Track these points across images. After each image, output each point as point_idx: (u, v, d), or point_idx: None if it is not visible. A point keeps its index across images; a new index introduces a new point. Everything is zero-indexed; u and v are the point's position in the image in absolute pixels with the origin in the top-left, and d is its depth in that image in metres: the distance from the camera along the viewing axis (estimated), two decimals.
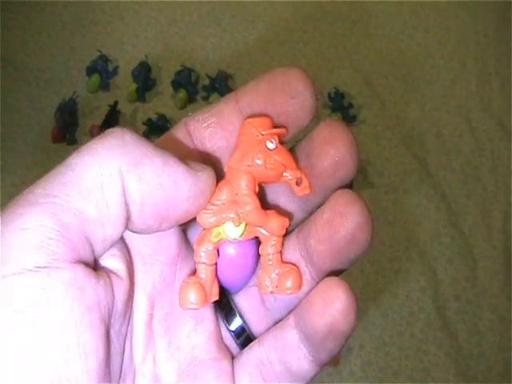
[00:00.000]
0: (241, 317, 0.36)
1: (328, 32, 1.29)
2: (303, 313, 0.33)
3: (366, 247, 0.33)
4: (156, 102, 1.17)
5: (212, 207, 0.33)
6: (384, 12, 1.31)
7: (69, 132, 1.10)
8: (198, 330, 0.35)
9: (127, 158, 0.29)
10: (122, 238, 0.32)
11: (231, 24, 1.28)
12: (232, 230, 0.34)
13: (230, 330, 0.36)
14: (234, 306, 0.36)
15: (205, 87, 1.17)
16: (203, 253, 0.34)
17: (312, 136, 0.35)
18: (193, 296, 0.33)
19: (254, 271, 0.36)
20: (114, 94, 1.17)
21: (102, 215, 0.28)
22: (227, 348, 0.36)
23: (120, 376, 0.31)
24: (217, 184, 0.34)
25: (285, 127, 0.34)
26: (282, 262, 0.35)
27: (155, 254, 0.34)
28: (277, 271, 0.34)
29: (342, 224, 0.33)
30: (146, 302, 0.33)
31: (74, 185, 0.28)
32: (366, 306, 0.98)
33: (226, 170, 0.34)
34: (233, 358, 0.36)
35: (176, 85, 1.17)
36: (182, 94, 1.15)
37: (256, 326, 0.36)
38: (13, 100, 1.13)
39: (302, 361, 0.33)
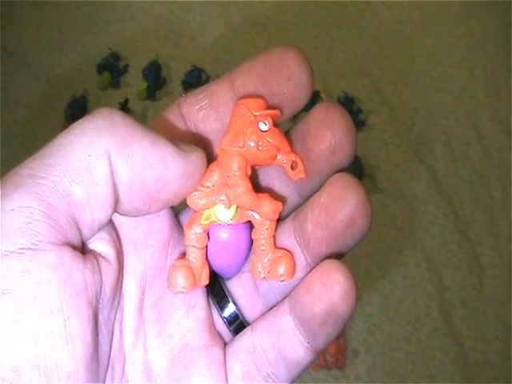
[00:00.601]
0: (234, 304, 0.35)
1: (338, 37, 1.29)
2: (299, 297, 0.32)
3: (365, 232, 0.33)
4: (166, 100, 1.17)
5: (202, 189, 0.33)
6: (394, 18, 1.32)
7: None
8: (190, 316, 0.34)
9: (115, 139, 0.29)
10: (111, 222, 0.32)
11: (242, 26, 1.28)
12: (223, 213, 0.33)
13: (222, 317, 0.36)
14: (227, 293, 0.36)
15: None
16: (193, 236, 0.33)
17: (308, 119, 0.34)
18: (181, 280, 0.33)
19: (247, 256, 0.36)
20: (125, 92, 1.17)
21: (90, 196, 0.28)
22: (219, 334, 0.36)
23: (108, 363, 0.31)
24: (208, 166, 0.33)
25: (279, 109, 0.34)
26: (276, 247, 0.35)
27: (146, 239, 0.33)
28: (269, 257, 0.34)
29: (340, 208, 0.32)
30: (136, 288, 0.33)
31: (60, 166, 0.28)
32: (372, 310, 0.98)
33: (217, 151, 0.34)
34: (225, 344, 0.35)
35: (186, 85, 1.17)
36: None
37: (249, 312, 0.36)
38: (24, 96, 1.14)
39: (296, 347, 0.33)
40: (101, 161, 0.28)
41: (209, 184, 0.33)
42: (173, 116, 0.35)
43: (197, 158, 0.32)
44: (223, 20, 1.29)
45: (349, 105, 1.16)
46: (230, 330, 0.36)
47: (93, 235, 0.30)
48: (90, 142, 0.28)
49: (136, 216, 0.32)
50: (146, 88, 1.15)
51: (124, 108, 1.12)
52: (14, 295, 0.25)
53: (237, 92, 0.34)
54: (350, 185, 0.32)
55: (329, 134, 0.33)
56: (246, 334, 0.34)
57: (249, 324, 0.35)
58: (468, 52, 1.29)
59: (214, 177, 0.33)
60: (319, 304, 0.31)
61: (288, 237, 0.35)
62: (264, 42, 1.25)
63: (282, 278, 0.34)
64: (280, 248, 0.34)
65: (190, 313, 0.35)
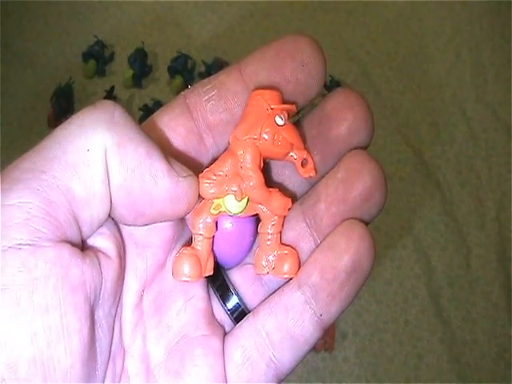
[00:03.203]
0: (237, 295, 0.35)
1: (324, 21, 1.29)
2: (318, 261, 0.32)
3: (381, 207, 0.33)
4: (152, 88, 1.17)
5: (214, 177, 0.32)
6: (380, 2, 1.31)
7: (65, 117, 1.08)
8: (188, 307, 0.34)
9: (113, 135, 0.28)
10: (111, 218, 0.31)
11: (228, 12, 1.28)
12: (233, 205, 0.33)
13: (226, 309, 0.35)
14: (229, 284, 0.35)
15: (201, 74, 1.17)
16: (201, 224, 0.33)
17: (326, 103, 0.34)
18: (188, 268, 0.32)
19: (250, 249, 0.35)
20: (111, 80, 1.16)
21: (89, 193, 0.28)
22: (219, 324, 0.35)
23: (109, 357, 0.31)
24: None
25: (294, 103, 0.33)
26: (281, 243, 0.34)
27: (148, 237, 0.33)
28: (275, 253, 0.34)
29: (359, 181, 0.32)
30: (137, 285, 0.33)
31: (60, 160, 0.27)
32: (360, 292, 0.98)
33: (230, 140, 0.33)
34: (226, 334, 0.35)
35: (172, 71, 1.17)
36: (179, 80, 1.15)
37: (251, 300, 0.35)
38: (9, 85, 1.13)
39: (306, 323, 0.32)
40: (98, 155, 0.28)
41: (221, 173, 0.32)
42: (178, 109, 0.34)
43: (188, 184, 0.31)
44: (208, 6, 1.28)
45: (335, 88, 1.16)
46: (232, 320, 0.35)
47: (92, 232, 0.29)
48: (88, 135, 0.28)
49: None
50: (131, 76, 1.15)
51: (110, 96, 1.11)
52: (11, 291, 0.25)
53: (247, 81, 0.33)
54: (367, 159, 0.33)
55: (349, 116, 0.33)
56: (247, 320, 0.34)
57: (246, 307, 0.35)
58: (454, 34, 1.29)
59: (227, 166, 0.32)
60: (345, 257, 0.31)
61: (297, 221, 0.34)
62: (250, 27, 1.25)
63: (285, 276, 0.33)
64: (285, 245, 0.34)
65: (189, 304, 0.34)
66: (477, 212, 1.07)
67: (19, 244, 0.25)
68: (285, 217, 0.34)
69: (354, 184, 0.32)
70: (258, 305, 0.35)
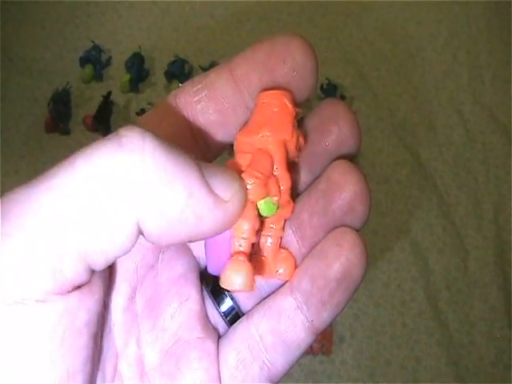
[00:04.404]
0: (231, 298, 0.35)
1: (321, 24, 1.29)
2: (309, 268, 0.32)
3: (363, 219, 0.32)
4: (149, 92, 1.17)
5: (259, 176, 0.30)
6: (377, 4, 1.32)
7: (62, 122, 1.10)
8: (183, 310, 0.34)
9: (146, 189, 0.25)
10: None
11: (224, 16, 1.28)
12: (268, 208, 0.31)
13: (220, 312, 0.35)
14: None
15: None
16: (246, 227, 0.30)
17: (314, 114, 0.34)
18: (242, 277, 0.30)
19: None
20: (108, 85, 1.17)
21: (109, 246, 0.25)
22: (213, 327, 0.35)
23: (99, 366, 0.30)
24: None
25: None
26: (280, 247, 0.34)
27: None
28: (272, 256, 0.33)
29: (339, 194, 0.32)
30: (126, 287, 0.32)
31: (76, 211, 0.24)
32: (357, 295, 0.98)
33: (260, 137, 0.31)
34: (220, 336, 0.35)
35: (169, 76, 1.17)
36: (176, 84, 1.15)
37: (244, 303, 0.35)
38: (6, 90, 1.13)
39: (298, 328, 0.32)
40: (126, 211, 0.25)
41: (260, 174, 0.30)
42: (169, 109, 0.33)
43: (238, 204, 0.28)
44: (206, 10, 1.28)
45: (332, 91, 1.16)
46: (226, 322, 0.35)
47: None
48: (114, 189, 0.25)
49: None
50: (128, 80, 1.15)
51: (107, 100, 1.12)
52: (17, 346, 0.24)
53: (238, 81, 0.32)
54: (349, 171, 0.32)
55: (335, 129, 0.33)
56: (241, 322, 0.34)
57: (240, 310, 0.35)
58: (451, 37, 1.29)
59: (268, 166, 0.31)
60: (336, 266, 0.31)
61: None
62: (247, 32, 1.25)
63: (279, 277, 0.33)
64: (282, 248, 0.34)
65: (184, 306, 0.34)
66: (474, 214, 1.07)
67: (26, 299, 0.24)
68: (285, 221, 0.33)
69: (334, 196, 0.32)
70: (252, 308, 0.35)
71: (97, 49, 1.19)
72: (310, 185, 0.34)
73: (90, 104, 1.13)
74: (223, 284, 0.30)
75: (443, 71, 1.24)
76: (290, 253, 0.33)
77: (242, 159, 0.31)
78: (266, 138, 0.31)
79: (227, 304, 0.35)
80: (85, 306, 0.26)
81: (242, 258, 0.30)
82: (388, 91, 1.20)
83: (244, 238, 0.30)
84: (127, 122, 1.10)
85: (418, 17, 1.31)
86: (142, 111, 1.10)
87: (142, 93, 1.17)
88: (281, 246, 0.34)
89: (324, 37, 1.26)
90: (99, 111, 1.11)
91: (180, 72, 1.17)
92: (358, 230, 0.33)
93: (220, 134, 0.33)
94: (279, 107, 0.31)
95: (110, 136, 0.26)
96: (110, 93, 1.13)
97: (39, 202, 0.24)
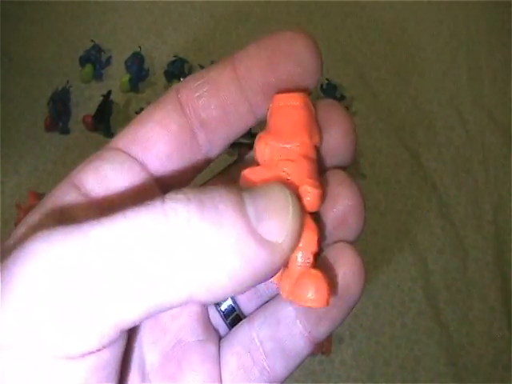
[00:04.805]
0: (231, 297, 0.35)
1: (321, 24, 1.29)
2: None
3: (357, 233, 0.32)
4: (149, 92, 1.17)
5: (319, 185, 0.29)
6: (376, 5, 1.32)
7: (62, 121, 1.10)
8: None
9: (197, 263, 0.24)
10: None
11: (224, 16, 1.28)
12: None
13: (219, 311, 0.35)
14: None
15: None
16: (316, 241, 0.28)
17: None
18: (324, 292, 0.28)
19: None
20: (107, 84, 1.16)
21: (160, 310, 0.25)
22: (214, 329, 0.35)
23: None
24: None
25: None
26: (315, 267, 0.29)
27: None
28: (300, 275, 0.29)
29: (331, 206, 0.31)
30: None
31: (120, 281, 0.23)
32: None
33: (300, 144, 0.29)
34: (221, 338, 0.35)
35: (169, 75, 1.17)
36: (175, 84, 1.15)
37: (245, 304, 0.35)
38: (6, 90, 1.13)
39: (297, 337, 0.32)
40: (179, 287, 0.24)
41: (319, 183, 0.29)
42: (171, 104, 0.32)
43: (293, 240, 0.26)
44: (205, 10, 1.28)
45: (332, 91, 1.16)
46: (226, 324, 0.35)
47: None
48: (165, 260, 0.23)
49: None
50: (128, 80, 1.15)
51: (107, 100, 1.12)
52: None
53: (240, 77, 0.32)
54: (343, 182, 0.31)
55: (327, 136, 0.32)
56: (243, 326, 0.34)
57: (245, 316, 0.35)
58: (450, 37, 1.29)
59: (315, 173, 0.29)
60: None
61: None
62: (246, 31, 1.25)
63: (308, 304, 0.28)
64: (315, 268, 0.29)
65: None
66: (474, 215, 1.07)
67: (69, 355, 0.23)
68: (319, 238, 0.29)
69: (327, 209, 0.31)
70: (254, 312, 0.34)
71: (97, 48, 1.19)
72: None
73: (90, 103, 1.13)
74: (296, 301, 0.28)
75: (443, 72, 1.24)
76: (323, 273, 0.28)
77: (270, 168, 0.29)
78: (306, 144, 0.29)
79: (227, 302, 0.35)
80: (116, 355, 0.25)
81: (313, 271, 0.28)
82: (388, 91, 1.21)
83: (311, 252, 0.28)
84: (127, 121, 1.09)
85: (418, 17, 1.31)
86: (142, 110, 1.09)
87: (141, 92, 1.17)
88: (315, 267, 0.29)
89: (323, 37, 1.26)
90: (99, 111, 1.11)
91: (180, 71, 1.17)
92: (353, 241, 0.32)
93: (222, 130, 0.32)
94: (305, 110, 0.30)
95: (154, 203, 0.24)
96: (109, 92, 1.13)
97: (88, 261, 0.23)
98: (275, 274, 0.27)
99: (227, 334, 0.35)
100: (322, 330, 0.32)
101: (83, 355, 0.23)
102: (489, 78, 1.23)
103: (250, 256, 0.24)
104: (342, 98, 1.16)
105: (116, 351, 0.25)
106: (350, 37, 1.28)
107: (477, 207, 1.08)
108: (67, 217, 0.29)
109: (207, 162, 0.33)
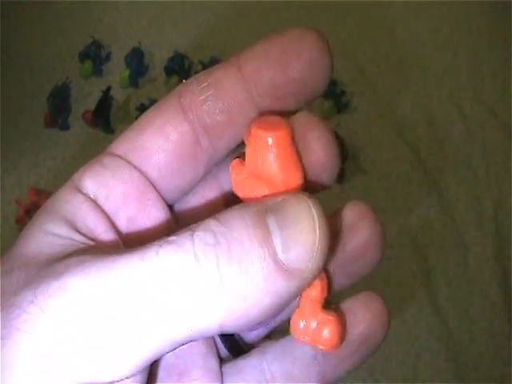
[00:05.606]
0: None
1: (321, 20, 1.29)
2: None
3: (375, 264, 0.32)
4: (149, 87, 1.17)
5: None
6: (377, 1, 1.31)
7: (61, 117, 1.10)
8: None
9: (224, 300, 0.24)
10: None
11: (224, 12, 1.28)
12: None
13: (220, 335, 0.34)
14: None
15: (198, 73, 1.17)
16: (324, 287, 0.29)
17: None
18: (337, 335, 0.28)
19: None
20: (107, 80, 1.17)
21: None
22: (216, 345, 0.34)
23: None
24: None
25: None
26: (325, 309, 0.29)
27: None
28: (316, 318, 0.29)
29: (352, 237, 0.31)
30: None
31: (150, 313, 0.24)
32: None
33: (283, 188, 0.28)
34: (221, 357, 0.34)
35: (169, 71, 1.17)
36: (175, 79, 1.15)
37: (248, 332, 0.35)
38: (5, 86, 1.13)
39: (311, 378, 0.32)
40: (209, 319, 0.24)
41: None
42: (172, 109, 0.31)
43: (317, 266, 0.25)
44: (205, 5, 1.28)
45: (332, 87, 1.16)
46: (225, 347, 0.34)
47: None
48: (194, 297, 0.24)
49: None
50: (128, 75, 1.15)
51: (107, 96, 1.11)
52: None
53: (247, 80, 0.30)
54: (365, 213, 0.31)
55: (313, 148, 0.30)
56: (254, 356, 0.33)
57: (244, 341, 0.35)
58: (451, 33, 1.28)
59: None
60: (360, 327, 0.31)
61: None
62: (246, 27, 1.25)
63: (320, 346, 0.28)
64: (330, 311, 0.29)
65: None
66: (474, 210, 1.07)
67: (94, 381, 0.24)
68: (329, 281, 0.30)
69: (348, 239, 0.31)
70: (267, 343, 0.34)
71: (96, 44, 1.19)
72: None
73: (90, 99, 1.13)
74: (310, 340, 0.29)
75: (443, 67, 1.24)
76: (336, 316, 0.29)
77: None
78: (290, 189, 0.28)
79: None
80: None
81: (333, 317, 0.28)
82: (388, 87, 1.20)
83: (322, 298, 0.29)
84: (127, 117, 1.10)
85: (418, 13, 1.31)
86: (142, 106, 1.09)
87: (141, 88, 1.17)
88: (327, 309, 0.29)
89: (324, 33, 1.25)
90: (99, 106, 1.10)
91: (180, 67, 1.16)
92: (369, 272, 0.32)
93: (226, 136, 0.31)
94: (284, 148, 0.27)
95: (184, 243, 0.24)
96: (109, 88, 1.12)
97: (123, 296, 0.24)
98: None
99: (235, 360, 0.34)
100: (338, 373, 0.32)
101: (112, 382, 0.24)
102: (489, 74, 1.23)
103: (278, 290, 0.24)
104: (342, 94, 1.16)
105: (142, 378, 0.26)
106: (350, 33, 1.27)
107: (477, 203, 1.08)
108: (79, 225, 0.28)
109: (210, 167, 0.32)
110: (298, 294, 0.25)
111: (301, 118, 0.30)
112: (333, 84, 1.16)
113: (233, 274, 0.23)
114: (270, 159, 0.27)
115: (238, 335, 0.34)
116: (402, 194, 1.08)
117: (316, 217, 0.24)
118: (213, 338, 0.34)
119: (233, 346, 0.34)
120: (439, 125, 1.16)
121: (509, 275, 1.01)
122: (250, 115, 0.31)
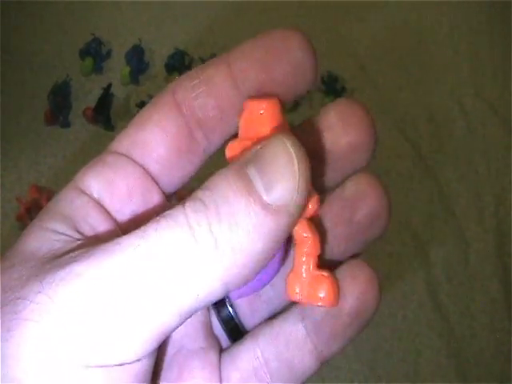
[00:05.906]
0: (230, 306, 0.34)
1: (322, 17, 1.28)
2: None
3: (382, 231, 0.33)
4: (149, 84, 1.17)
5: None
6: None
7: (62, 115, 1.10)
8: (188, 320, 0.32)
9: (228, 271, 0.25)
10: None
11: (224, 8, 1.28)
12: None
13: (220, 320, 0.35)
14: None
15: None
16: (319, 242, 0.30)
17: (326, 114, 0.33)
18: (334, 292, 0.29)
19: (276, 272, 0.32)
20: (108, 77, 1.16)
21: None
22: (216, 338, 0.35)
23: None
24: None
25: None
26: (319, 267, 0.30)
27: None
28: (310, 276, 0.30)
29: (367, 202, 0.32)
30: None
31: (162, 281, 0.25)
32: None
33: None
34: (222, 349, 0.34)
35: (169, 68, 1.17)
36: (175, 76, 1.15)
37: (248, 318, 0.35)
38: (6, 83, 1.13)
39: (306, 357, 0.32)
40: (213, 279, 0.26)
41: None
42: (168, 105, 0.32)
43: (300, 202, 0.26)
44: (206, 3, 1.28)
45: (332, 84, 1.16)
46: (225, 331, 0.35)
47: None
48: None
49: None
50: (128, 72, 1.15)
51: (107, 93, 1.11)
52: None
53: (235, 77, 0.31)
54: (374, 182, 0.32)
55: (347, 137, 0.32)
56: (247, 341, 0.33)
57: (244, 328, 0.35)
58: (452, 30, 1.28)
59: None
60: (349, 301, 0.31)
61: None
62: (246, 24, 1.25)
63: (319, 303, 0.29)
64: (324, 268, 0.30)
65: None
66: (475, 207, 1.07)
67: (106, 363, 0.24)
68: (321, 236, 0.31)
69: (363, 204, 0.32)
70: (258, 327, 0.34)
71: (96, 41, 1.18)
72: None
73: (90, 96, 1.13)
74: (307, 299, 0.29)
75: (444, 64, 1.24)
76: (331, 272, 0.30)
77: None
78: None
79: (225, 311, 0.35)
80: (150, 365, 0.27)
81: (325, 273, 0.30)
82: (389, 84, 1.20)
83: (315, 255, 0.30)
84: (127, 114, 1.10)
85: (419, 10, 1.31)
86: (142, 103, 1.09)
87: (142, 85, 1.17)
88: (321, 267, 0.30)
89: (324, 29, 1.26)
90: (99, 103, 1.10)
91: (180, 64, 1.16)
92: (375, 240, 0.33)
93: (219, 129, 0.32)
94: (275, 118, 0.29)
95: (178, 216, 0.25)
96: (110, 85, 1.12)
97: (128, 275, 0.24)
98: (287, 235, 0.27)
99: (229, 347, 0.35)
100: (334, 348, 0.32)
101: (122, 365, 0.24)
102: (490, 71, 1.23)
103: (269, 232, 0.25)
104: (342, 90, 1.16)
105: (150, 362, 0.26)
106: (351, 29, 1.27)
107: (478, 199, 1.08)
108: (82, 225, 0.29)
109: (206, 157, 0.33)
110: (288, 231, 0.26)
111: (342, 102, 0.32)
112: (333, 80, 1.16)
113: (225, 232, 0.24)
114: (261, 123, 0.29)
115: (239, 320, 0.34)
116: (403, 190, 1.08)
117: (292, 150, 0.25)
118: (213, 332, 0.34)
119: (232, 331, 0.35)
120: (440, 121, 1.16)
121: (510, 271, 1.01)
122: (240, 109, 0.31)
